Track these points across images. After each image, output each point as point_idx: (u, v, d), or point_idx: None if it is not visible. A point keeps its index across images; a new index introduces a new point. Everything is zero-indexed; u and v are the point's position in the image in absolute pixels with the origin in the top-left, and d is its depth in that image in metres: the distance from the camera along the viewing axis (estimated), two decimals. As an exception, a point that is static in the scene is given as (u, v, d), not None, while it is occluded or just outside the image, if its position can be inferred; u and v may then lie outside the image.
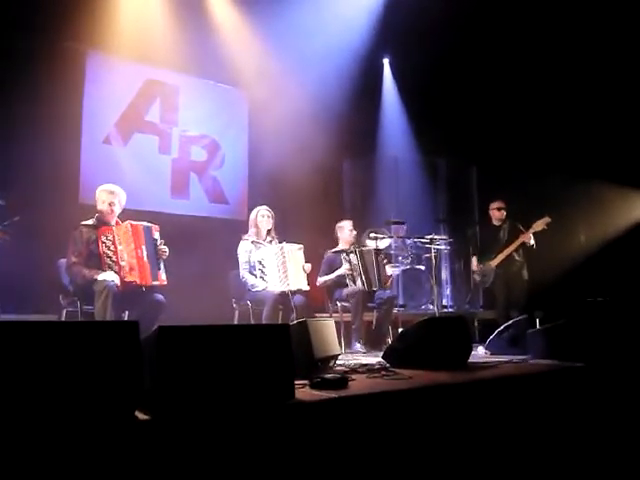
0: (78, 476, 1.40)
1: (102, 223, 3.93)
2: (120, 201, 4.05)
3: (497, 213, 5.72)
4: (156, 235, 4.00)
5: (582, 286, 5.82)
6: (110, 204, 3.96)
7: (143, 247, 3.84)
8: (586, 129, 6.39)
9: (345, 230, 5.41)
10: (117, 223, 3.97)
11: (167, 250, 4.02)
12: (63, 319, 3.92)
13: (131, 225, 3.86)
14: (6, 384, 1.42)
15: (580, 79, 6.34)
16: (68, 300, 3.96)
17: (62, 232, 4.05)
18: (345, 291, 5.08)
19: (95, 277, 3.66)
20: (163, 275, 3.97)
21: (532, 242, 5.45)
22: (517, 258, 5.55)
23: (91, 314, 3.75)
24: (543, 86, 6.56)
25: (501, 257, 5.55)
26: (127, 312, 3.98)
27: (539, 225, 5.43)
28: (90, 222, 3.94)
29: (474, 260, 5.80)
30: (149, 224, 4.00)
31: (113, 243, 3.79)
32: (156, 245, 3.97)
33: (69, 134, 5.43)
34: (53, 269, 4.09)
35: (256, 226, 4.90)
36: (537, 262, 5.68)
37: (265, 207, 4.95)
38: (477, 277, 5.80)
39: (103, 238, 3.79)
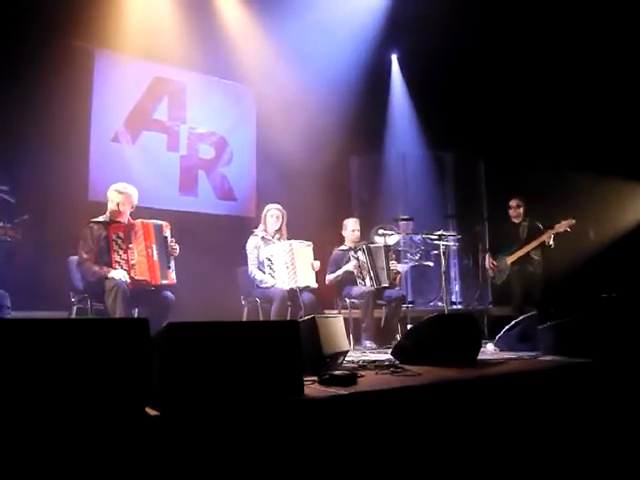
0: (90, 471, 1.41)
1: (113, 221, 3.93)
2: (130, 200, 4.01)
3: (515, 210, 5.68)
4: (167, 233, 3.99)
5: (592, 282, 5.78)
6: (118, 204, 3.94)
7: (154, 246, 3.84)
8: (594, 123, 6.33)
9: (348, 229, 5.40)
10: (128, 221, 3.97)
11: (178, 248, 4.02)
12: (73, 316, 3.94)
13: (142, 224, 3.86)
14: (18, 381, 1.43)
15: (589, 73, 6.28)
16: (78, 297, 3.98)
17: (71, 230, 4.08)
18: (354, 291, 5.07)
19: (105, 274, 3.68)
20: (173, 274, 3.97)
21: (551, 242, 5.39)
22: (535, 257, 5.51)
23: (101, 311, 3.77)
24: (551, 80, 6.51)
25: (518, 255, 5.51)
26: (137, 309, 3.99)
27: (562, 226, 5.34)
28: (101, 219, 3.94)
29: (487, 256, 5.77)
30: (160, 222, 3.98)
31: (124, 241, 3.80)
32: (167, 243, 3.96)
33: (78, 133, 5.45)
34: (63, 266, 4.12)
35: (265, 224, 4.91)
36: (547, 258, 5.64)
37: (276, 206, 4.93)
38: (491, 273, 5.78)
39: (114, 236, 3.79)
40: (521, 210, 5.65)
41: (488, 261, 5.75)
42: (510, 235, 5.67)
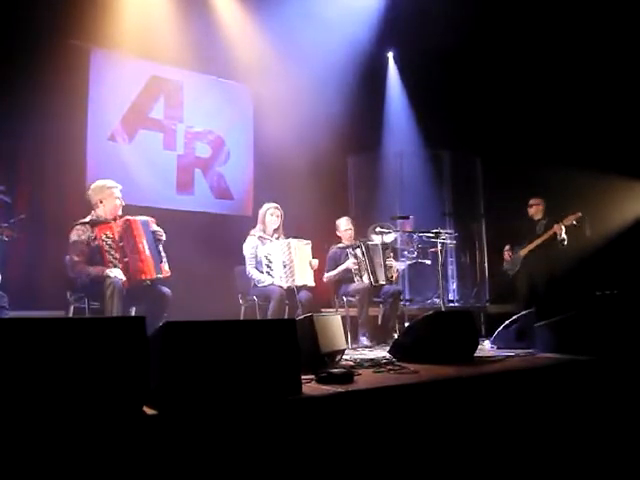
0: (88, 471, 1.41)
1: (99, 221, 3.86)
2: (120, 195, 3.98)
3: (532, 209, 5.82)
4: (153, 227, 3.95)
5: (588, 280, 5.80)
6: (121, 199, 3.94)
7: (144, 241, 3.80)
8: (590, 120, 6.34)
9: (341, 229, 5.38)
10: (115, 219, 3.90)
11: (163, 234, 3.97)
12: (71, 315, 3.93)
13: (129, 221, 3.81)
14: (16, 380, 1.43)
15: (585, 70, 6.29)
16: (75, 296, 3.96)
17: (68, 229, 4.06)
18: (351, 287, 5.07)
19: (100, 274, 3.65)
20: (166, 266, 3.92)
21: (563, 236, 5.47)
22: (547, 252, 5.60)
23: (98, 310, 3.76)
24: (547, 77, 6.51)
25: (530, 247, 5.66)
26: (134, 308, 3.97)
27: (569, 219, 5.47)
28: (87, 220, 3.87)
29: (506, 248, 5.88)
30: (146, 217, 3.95)
31: (113, 241, 3.76)
32: (155, 236, 3.92)
33: (74, 131, 5.44)
34: (60, 266, 4.10)
35: (263, 223, 4.89)
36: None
37: (274, 205, 4.90)
38: (505, 265, 5.89)
39: (103, 237, 3.74)
40: (538, 208, 5.79)
41: (506, 253, 5.87)
42: (528, 230, 5.80)
